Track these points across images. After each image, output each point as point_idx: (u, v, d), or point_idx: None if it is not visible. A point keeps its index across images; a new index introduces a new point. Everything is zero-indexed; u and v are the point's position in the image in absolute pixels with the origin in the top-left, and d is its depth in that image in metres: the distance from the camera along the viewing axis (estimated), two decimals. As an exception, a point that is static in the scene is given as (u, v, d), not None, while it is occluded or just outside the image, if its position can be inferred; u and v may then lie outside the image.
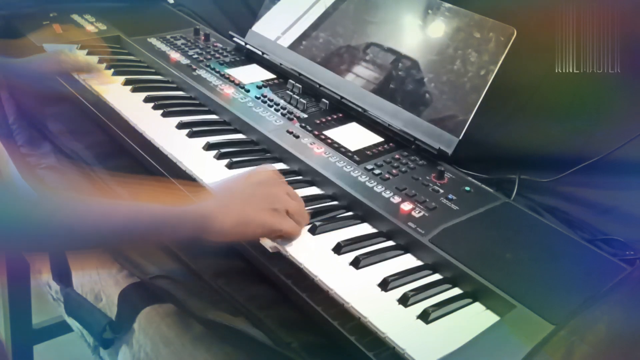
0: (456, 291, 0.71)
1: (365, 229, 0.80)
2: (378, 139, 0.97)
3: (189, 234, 0.68)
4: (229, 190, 0.72)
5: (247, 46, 1.21)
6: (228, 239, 0.70)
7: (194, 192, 0.77)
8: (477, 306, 0.69)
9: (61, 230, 0.61)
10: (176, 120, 0.99)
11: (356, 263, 0.72)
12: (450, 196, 0.83)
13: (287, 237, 0.74)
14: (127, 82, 1.11)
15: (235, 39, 1.25)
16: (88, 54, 1.19)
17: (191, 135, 0.95)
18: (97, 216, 0.62)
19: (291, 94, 1.08)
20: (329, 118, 1.02)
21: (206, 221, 0.67)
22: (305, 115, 1.02)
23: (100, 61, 1.17)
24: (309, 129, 0.98)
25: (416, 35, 1.03)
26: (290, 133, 0.96)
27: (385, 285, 0.69)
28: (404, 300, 0.67)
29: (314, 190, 0.87)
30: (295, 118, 1.01)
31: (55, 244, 0.68)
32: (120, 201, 0.64)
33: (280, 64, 1.15)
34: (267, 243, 0.73)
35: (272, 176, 0.74)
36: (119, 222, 0.63)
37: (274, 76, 1.16)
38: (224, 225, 0.68)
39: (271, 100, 1.06)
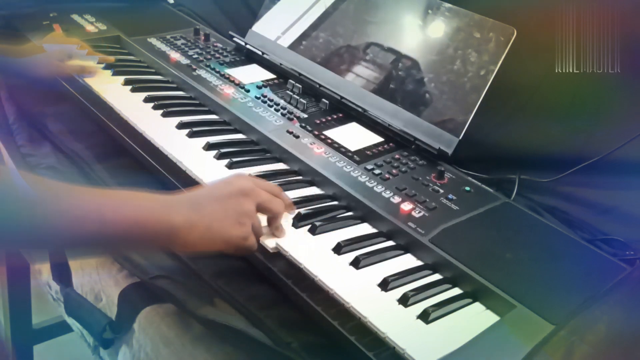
0: (456, 291, 0.71)
1: (365, 229, 0.80)
2: (378, 139, 0.97)
3: (156, 245, 0.68)
4: (199, 202, 0.69)
5: (247, 46, 1.21)
6: (195, 251, 0.70)
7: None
8: (477, 306, 0.69)
9: (44, 229, 0.61)
10: (176, 120, 0.99)
11: (356, 263, 0.72)
12: (450, 196, 0.83)
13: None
14: (126, 82, 1.11)
15: (235, 39, 1.25)
16: (88, 54, 1.19)
17: (191, 135, 0.95)
18: (66, 221, 0.62)
19: (291, 94, 1.08)
20: (329, 118, 1.02)
21: (171, 235, 0.66)
22: (305, 115, 1.02)
23: (99, 61, 1.17)
24: (309, 129, 0.98)
25: (416, 35, 1.03)
26: (290, 133, 0.96)
27: (385, 285, 0.69)
28: (404, 300, 0.67)
29: (314, 190, 0.87)
30: (295, 118, 1.01)
31: (51, 243, 0.68)
32: (89, 208, 0.63)
33: (280, 64, 1.15)
34: (268, 243, 0.74)
35: (244, 187, 0.71)
36: (87, 231, 0.63)
37: (274, 76, 1.16)
38: (188, 239, 0.67)
39: (271, 100, 1.06)
